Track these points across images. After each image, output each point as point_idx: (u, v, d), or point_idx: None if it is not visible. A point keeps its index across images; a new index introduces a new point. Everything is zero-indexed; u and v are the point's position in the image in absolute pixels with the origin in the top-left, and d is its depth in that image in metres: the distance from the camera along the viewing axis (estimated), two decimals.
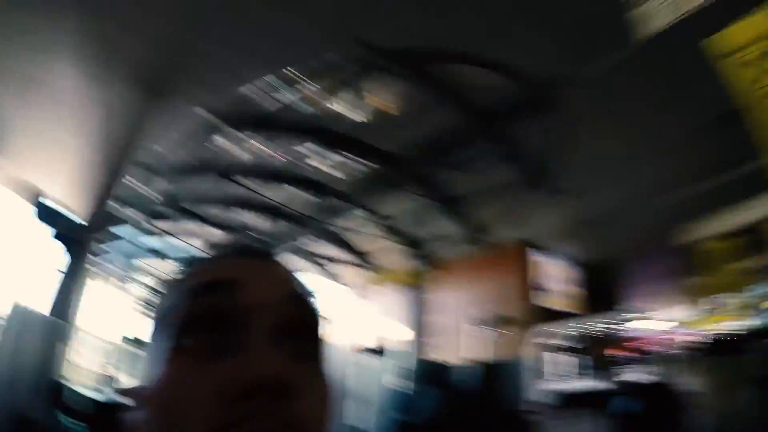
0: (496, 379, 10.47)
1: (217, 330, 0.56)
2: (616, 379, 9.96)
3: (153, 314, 0.66)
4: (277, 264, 0.69)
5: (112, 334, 14.08)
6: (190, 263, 0.69)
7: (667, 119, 9.89)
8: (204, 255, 0.73)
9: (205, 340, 0.56)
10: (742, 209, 15.62)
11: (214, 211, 13.02)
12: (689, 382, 16.67)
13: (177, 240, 15.87)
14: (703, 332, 29.70)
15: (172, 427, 0.52)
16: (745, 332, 20.35)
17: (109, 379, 13.06)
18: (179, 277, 0.67)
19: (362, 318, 19.88)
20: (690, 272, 20.93)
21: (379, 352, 10.15)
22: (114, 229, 12.83)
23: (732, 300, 25.70)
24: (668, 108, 9.53)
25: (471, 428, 9.35)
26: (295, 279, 0.68)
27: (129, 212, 11.61)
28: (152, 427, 0.55)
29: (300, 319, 0.62)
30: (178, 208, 12.01)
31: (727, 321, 31.17)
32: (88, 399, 6.94)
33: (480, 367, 10.73)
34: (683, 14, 5.83)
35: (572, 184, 11.76)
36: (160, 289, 0.69)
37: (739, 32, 4.46)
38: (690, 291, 23.57)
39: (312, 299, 0.66)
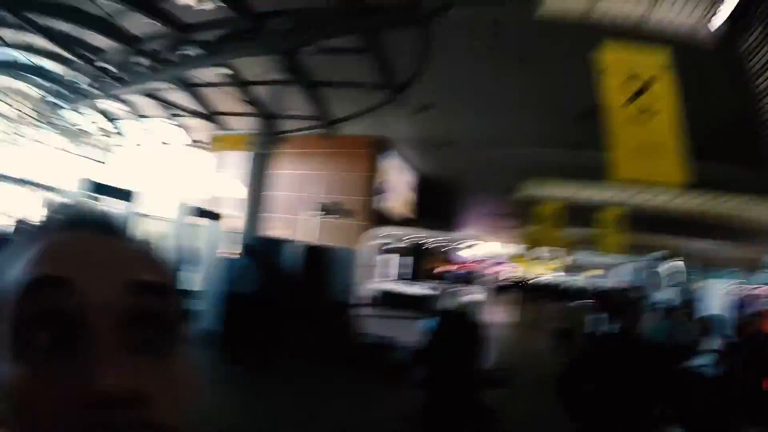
0: (324, 264, 10.66)
1: (55, 332, 0.47)
2: (432, 291, 10.52)
3: None
4: (121, 240, 0.57)
5: None
6: (13, 241, 0.56)
7: (544, 86, 10.46)
8: (33, 224, 0.58)
9: (43, 343, 0.47)
10: (580, 187, 17.37)
11: (66, 28, 11.67)
12: (495, 314, 18.29)
13: (25, 55, 14.37)
14: (521, 273, 32.15)
15: None
16: (557, 287, 22.40)
17: None
18: (9, 253, 0.54)
19: (202, 179, 19.31)
20: (523, 219, 22.59)
21: (215, 216, 9.84)
22: None
23: (552, 256, 28.19)
24: (547, 78, 10.05)
25: (294, 306, 9.51)
26: (145, 258, 0.56)
27: None
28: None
29: (150, 310, 0.52)
30: (26, 18, 10.45)
31: (545, 271, 33.89)
32: None
33: (312, 249, 10.83)
34: (590, 17, 6.28)
35: (437, 101, 12.13)
36: None
37: (631, 60, 4.79)
38: (519, 235, 25.41)
39: (165, 280, 0.55)
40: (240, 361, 7.56)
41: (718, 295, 14.07)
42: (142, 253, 0.56)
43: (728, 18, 5.74)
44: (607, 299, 14.40)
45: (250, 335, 8.03)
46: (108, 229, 0.57)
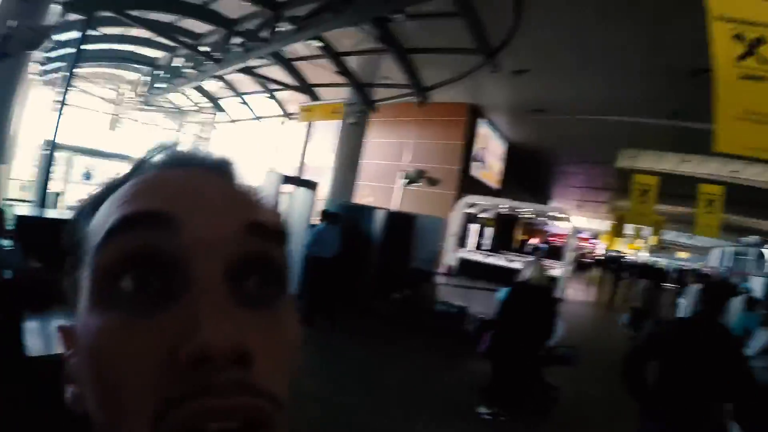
0: (408, 232, 10.90)
1: (150, 277, 0.43)
2: (512, 263, 10.50)
3: (74, 234, 0.51)
4: (230, 180, 0.52)
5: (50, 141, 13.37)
6: (115, 180, 0.52)
7: (644, 47, 9.87)
8: (138, 164, 0.53)
9: (134, 289, 0.43)
10: (680, 159, 16.36)
11: (162, 17, 12.58)
12: (574, 290, 18.06)
13: (125, 46, 15.12)
14: (607, 250, 31.28)
15: (111, 399, 0.42)
16: (642, 267, 21.75)
17: (49, 192, 12.38)
18: (102, 195, 0.51)
19: (296, 149, 19.96)
20: (615, 193, 21.86)
21: (303, 184, 10.17)
22: (57, 36, 12.18)
23: (643, 233, 27.20)
24: (649, 38, 9.47)
25: (373, 271, 9.80)
26: (254, 199, 0.51)
27: (73, 17, 10.81)
28: (89, 392, 0.44)
29: (259, 255, 0.47)
30: (124, 14, 11.24)
31: (631, 250, 32.71)
32: (27, 217, 6.69)
33: (396, 216, 11.12)
34: None
35: (532, 66, 11.93)
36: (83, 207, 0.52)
37: (749, 5, 4.25)
38: (608, 210, 24.68)
39: (282, 225, 0.51)
40: (314, 323, 7.86)
41: None
42: (256, 195, 0.52)
43: None
44: (690, 283, 13.87)
45: (326, 298, 8.34)
46: (216, 168, 0.52)
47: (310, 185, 9.85)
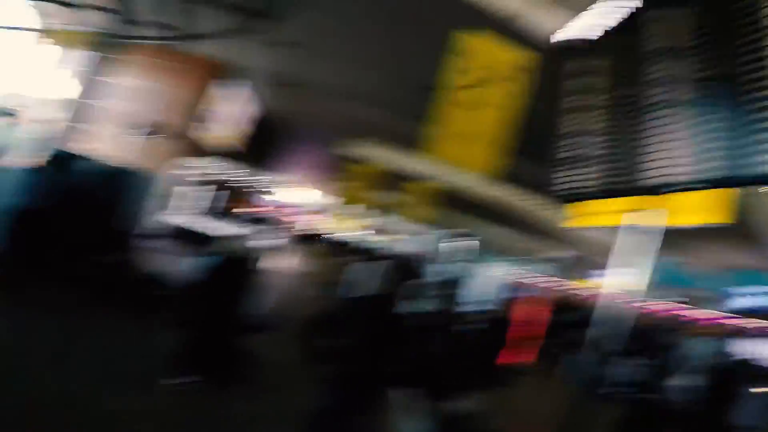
0: (121, 188, 9.60)
1: None
2: (225, 231, 10.41)
3: None
4: None
5: None
6: None
7: (402, 55, 10.89)
8: None
9: None
10: (404, 155, 17.84)
11: None
12: (287, 262, 18.67)
13: None
14: (327, 226, 32.91)
15: None
16: (357, 245, 23.45)
17: None
18: None
19: (32, 72, 17.74)
20: (340, 174, 23.20)
21: (10, 114, 9.06)
22: None
23: (363, 214, 29.34)
24: (413, 45, 10.26)
25: (76, 229, 8.92)
26: None
27: None
28: None
29: None
30: None
31: (351, 228, 34.90)
32: None
33: (113, 169, 9.87)
34: None
35: (304, 40, 12.00)
36: None
37: (485, 48, 4.99)
38: (336, 188, 26.09)
39: None
40: (10, 288, 6.87)
41: (492, 277, 15.50)
42: None
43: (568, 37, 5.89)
44: (387, 262, 15.03)
45: (24, 258, 7.45)
46: None
47: (24, 120, 8.78)
